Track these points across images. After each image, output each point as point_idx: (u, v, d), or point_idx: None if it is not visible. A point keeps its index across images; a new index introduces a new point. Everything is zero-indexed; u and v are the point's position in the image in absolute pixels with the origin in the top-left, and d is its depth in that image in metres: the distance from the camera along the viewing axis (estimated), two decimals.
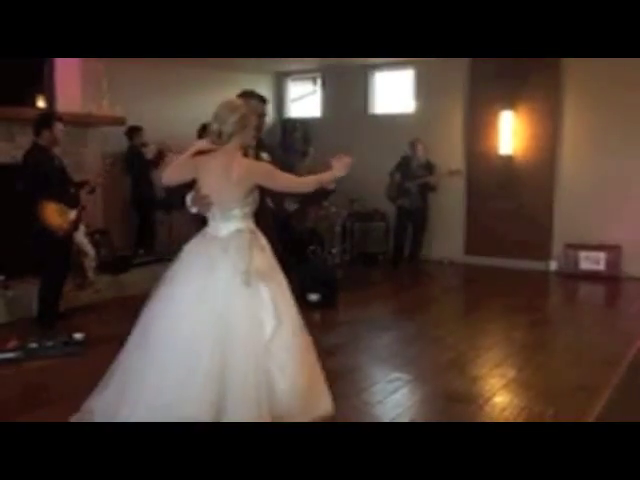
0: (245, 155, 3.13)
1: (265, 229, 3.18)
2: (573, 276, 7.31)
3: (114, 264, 6.36)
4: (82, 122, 6.20)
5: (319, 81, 9.31)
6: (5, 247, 5.53)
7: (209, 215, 3.09)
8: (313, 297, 5.82)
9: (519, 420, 3.42)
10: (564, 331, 5.34)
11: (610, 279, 7.14)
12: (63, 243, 4.95)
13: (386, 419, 3.46)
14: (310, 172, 3.31)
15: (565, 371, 4.22)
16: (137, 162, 7.05)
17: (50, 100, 6.02)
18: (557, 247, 7.57)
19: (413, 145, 7.59)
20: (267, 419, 2.81)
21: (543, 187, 7.60)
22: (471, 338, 5.03)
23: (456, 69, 7.87)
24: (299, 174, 3.31)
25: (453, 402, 3.68)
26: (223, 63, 7.62)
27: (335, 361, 4.26)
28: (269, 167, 3.14)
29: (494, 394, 3.82)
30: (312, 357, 3.12)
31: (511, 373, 4.21)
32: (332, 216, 7.81)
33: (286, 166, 3.35)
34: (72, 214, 4.95)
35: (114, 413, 2.91)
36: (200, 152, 3.09)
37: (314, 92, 9.51)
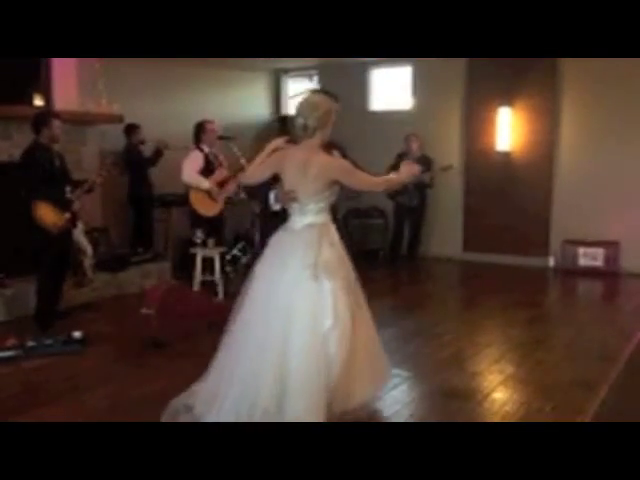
0: (328, 152, 3.17)
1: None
2: (571, 272, 7.32)
3: (112, 262, 6.35)
4: (80, 120, 6.18)
5: (317, 78, 9.30)
6: (3, 245, 5.53)
7: (290, 209, 3.18)
8: None
9: (518, 415, 3.43)
10: (562, 327, 5.35)
11: (608, 275, 7.15)
12: (58, 241, 4.93)
13: (385, 415, 3.46)
14: None
15: (563, 367, 4.23)
16: (135, 160, 7.03)
17: (47, 98, 6.01)
18: (555, 243, 7.58)
19: (407, 140, 7.59)
20: (323, 408, 2.90)
21: (541, 183, 7.60)
22: (470, 334, 5.04)
23: (454, 66, 7.86)
24: None
25: (452, 398, 3.69)
26: (220, 61, 7.62)
27: None
28: (348, 164, 3.19)
29: (493, 390, 3.83)
30: (364, 354, 3.20)
31: (510, 369, 4.22)
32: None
33: None
34: (66, 213, 4.93)
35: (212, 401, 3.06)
36: (276, 150, 3.20)
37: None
